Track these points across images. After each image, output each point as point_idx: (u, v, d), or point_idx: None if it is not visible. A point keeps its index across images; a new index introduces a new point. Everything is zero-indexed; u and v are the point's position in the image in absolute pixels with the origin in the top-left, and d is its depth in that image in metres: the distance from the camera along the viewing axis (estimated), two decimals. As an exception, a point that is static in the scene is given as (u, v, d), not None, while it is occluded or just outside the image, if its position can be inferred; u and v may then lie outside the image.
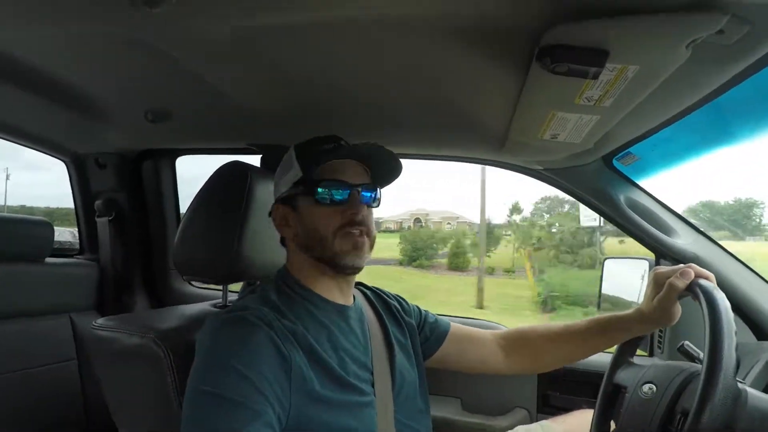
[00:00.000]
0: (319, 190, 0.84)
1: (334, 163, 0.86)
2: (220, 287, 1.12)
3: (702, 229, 1.29)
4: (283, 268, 0.93)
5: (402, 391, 0.89)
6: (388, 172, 0.94)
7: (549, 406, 1.45)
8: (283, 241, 0.95)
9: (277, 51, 0.86)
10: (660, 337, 1.41)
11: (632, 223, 1.29)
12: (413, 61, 0.87)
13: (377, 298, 1.04)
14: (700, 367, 0.72)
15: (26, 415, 1.42)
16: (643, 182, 1.30)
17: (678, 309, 0.88)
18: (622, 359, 0.96)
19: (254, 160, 1.32)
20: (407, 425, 0.88)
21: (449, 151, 1.42)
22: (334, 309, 0.87)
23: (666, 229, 1.30)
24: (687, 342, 0.88)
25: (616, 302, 1.57)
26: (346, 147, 0.89)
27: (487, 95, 0.98)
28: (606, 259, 1.63)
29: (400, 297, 1.10)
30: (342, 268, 0.85)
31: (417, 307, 1.10)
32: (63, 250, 1.93)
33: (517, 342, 1.09)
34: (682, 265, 0.88)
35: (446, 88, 0.98)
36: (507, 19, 0.70)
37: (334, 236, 0.83)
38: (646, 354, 1.48)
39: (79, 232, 1.93)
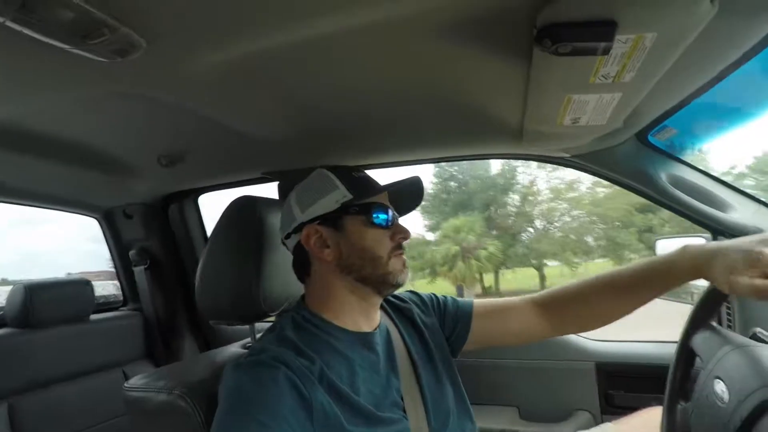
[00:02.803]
0: (377, 211, 0.86)
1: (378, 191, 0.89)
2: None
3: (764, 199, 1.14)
4: (299, 300, 0.91)
5: (434, 405, 0.86)
6: (412, 204, 0.99)
7: (613, 407, 1.34)
8: (303, 271, 0.90)
9: (272, 76, 0.83)
10: (729, 314, 1.26)
11: (679, 202, 1.16)
12: (413, 66, 0.82)
13: (395, 311, 0.99)
14: None
15: None
16: (686, 156, 1.17)
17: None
18: (700, 320, 0.80)
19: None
20: None
21: (468, 150, 1.34)
22: (357, 339, 0.84)
23: (719, 204, 1.16)
24: (759, 329, 0.76)
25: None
26: (391, 182, 0.90)
27: (494, 88, 0.91)
28: (658, 239, 1.50)
29: (414, 293, 1.06)
30: (390, 287, 0.87)
31: (434, 295, 1.05)
32: (108, 304, 1.98)
33: (552, 305, 0.98)
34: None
35: (452, 87, 0.92)
36: (497, 2, 0.63)
37: (389, 257, 0.85)
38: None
39: (120, 283, 1.98)
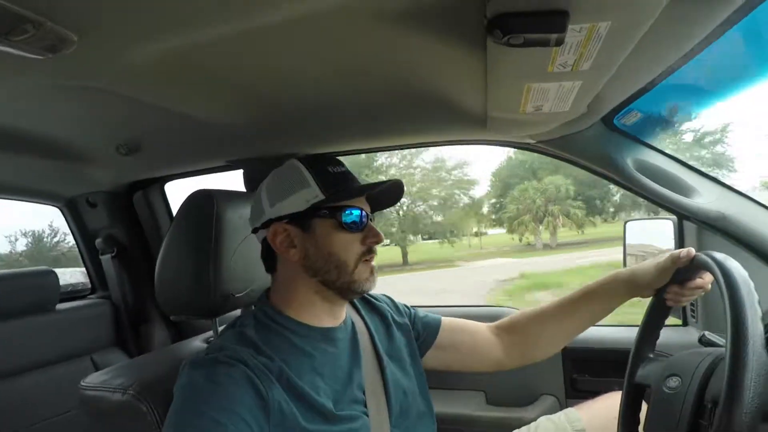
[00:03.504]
0: (348, 215, 0.82)
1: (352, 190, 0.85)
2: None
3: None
4: (263, 295, 0.89)
5: (396, 402, 0.86)
6: (390, 202, 0.95)
7: (578, 391, 1.37)
8: (269, 264, 0.88)
9: (217, 65, 0.79)
10: (693, 310, 1.30)
11: (644, 187, 1.16)
12: (368, 54, 0.79)
13: (365, 305, 0.99)
14: (724, 349, 0.64)
15: None
16: (652, 140, 1.16)
17: (666, 280, 0.88)
18: (640, 355, 0.87)
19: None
20: None
21: (432, 137, 1.32)
22: (319, 334, 0.83)
23: (684, 189, 1.16)
24: (707, 332, 0.80)
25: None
26: (353, 176, 0.88)
27: (453, 77, 0.89)
28: (627, 221, 1.51)
29: (389, 296, 1.07)
30: (355, 294, 0.85)
31: (405, 305, 1.06)
32: (76, 292, 1.94)
33: (509, 329, 1.04)
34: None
35: (410, 76, 0.89)
36: None
37: (356, 263, 0.82)
38: (679, 323, 1.37)
39: (87, 271, 1.94)
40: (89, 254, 1.88)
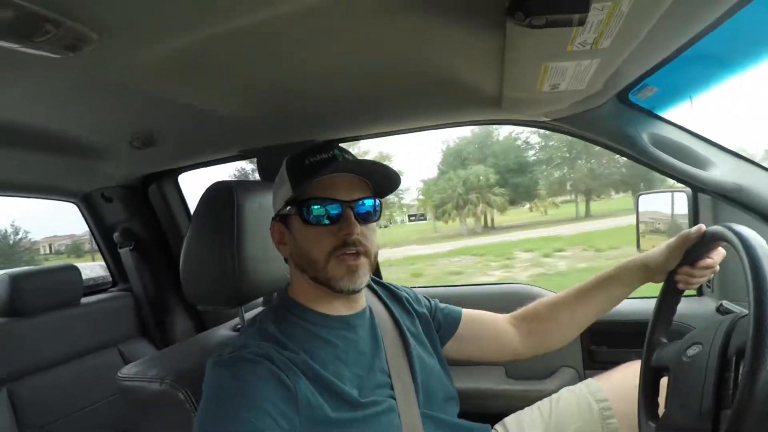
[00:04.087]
0: (310, 209, 0.78)
1: (325, 179, 0.79)
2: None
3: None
4: (284, 288, 0.90)
5: (424, 383, 0.87)
6: (388, 184, 0.86)
7: (596, 362, 1.38)
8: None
9: (237, 56, 0.80)
10: (709, 282, 1.30)
11: (660, 161, 1.16)
12: (383, 37, 0.78)
13: (386, 293, 1.00)
14: (746, 311, 0.65)
15: None
16: (667, 114, 1.16)
17: (677, 260, 0.88)
18: (655, 340, 0.87)
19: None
20: (434, 417, 0.86)
21: (447, 118, 1.31)
22: (338, 322, 0.84)
23: (700, 161, 1.16)
24: (724, 301, 0.80)
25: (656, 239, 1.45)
26: (336, 162, 0.80)
27: (470, 58, 0.88)
28: (640, 194, 1.51)
29: (409, 289, 1.07)
30: (339, 292, 0.80)
31: (426, 297, 1.07)
32: (97, 286, 1.98)
33: (526, 319, 1.05)
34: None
35: (426, 58, 0.89)
36: None
37: (327, 260, 0.78)
38: (694, 293, 1.38)
39: (107, 265, 1.97)
40: (108, 248, 1.91)
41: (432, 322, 1.01)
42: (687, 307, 1.27)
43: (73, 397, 1.51)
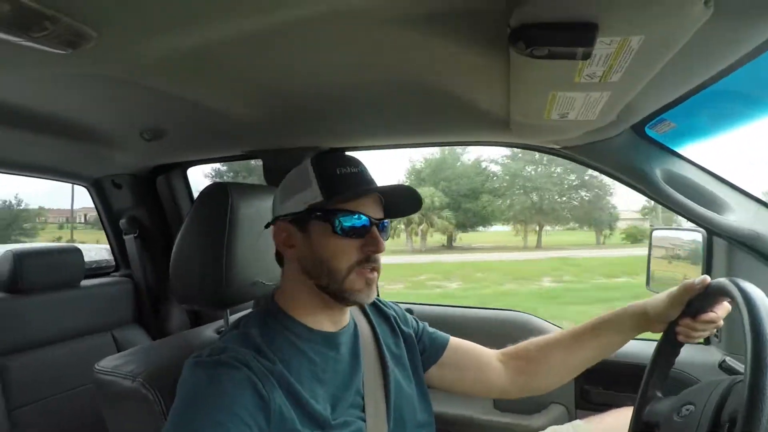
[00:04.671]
0: (341, 221, 0.77)
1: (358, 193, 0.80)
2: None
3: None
4: (271, 294, 0.88)
5: (397, 407, 0.85)
6: (407, 208, 0.88)
7: (589, 402, 1.33)
8: (279, 258, 0.88)
9: (241, 59, 0.80)
10: (717, 332, 1.24)
11: (672, 200, 1.11)
12: (389, 54, 0.78)
13: (373, 310, 0.98)
14: (743, 375, 0.61)
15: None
16: (684, 151, 1.11)
17: (679, 311, 0.84)
18: (649, 395, 0.83)
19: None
20: None
21: (454, 137, 1.30)
22: (321, 338, 0.82)
23: (716, 204, 1.11)
24: (728, 358, 0.75)
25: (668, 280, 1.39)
26: (365, 178, 0.82)
27: (476, 81, 0.86)
28: (654, 229, 1.45)
29: (398, 306, 1.04)
30: (349, 303, 0.82)
31: (414, 318, 1.04)
32: (101, 269, 2.00)
33: (515, 357, 1.00)
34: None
35: (432, 77, 0.88)
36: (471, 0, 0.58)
37: (348, 272, 0.78)
38: (701, 341, 1.32)
39: (112, 250, 1.99)
40: (114, 233, 1.94)
41: (417, 345, 0.98)
42: (691, 355, 1.22)
43: (63, 377, 1.52)
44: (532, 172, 21.01)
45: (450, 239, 21.90)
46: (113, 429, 0.92)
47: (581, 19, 0.53)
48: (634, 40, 0.57)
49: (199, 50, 0.74)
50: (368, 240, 0.79)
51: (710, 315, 0.81)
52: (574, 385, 1.34)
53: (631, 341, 1.33)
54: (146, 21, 0.63)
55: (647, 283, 1.41)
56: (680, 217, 1.19)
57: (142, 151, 1.50)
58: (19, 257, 1.51)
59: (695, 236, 1.31)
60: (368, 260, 0.79)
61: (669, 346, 0.85)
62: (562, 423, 1.10)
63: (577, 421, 1.07)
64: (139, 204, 1.82)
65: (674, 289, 0.84)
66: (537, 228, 21.58)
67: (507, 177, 20.66)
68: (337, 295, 0.80)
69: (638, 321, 0.89)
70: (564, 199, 20.46)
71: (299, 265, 0.82)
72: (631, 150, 1.11)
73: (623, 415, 1.01)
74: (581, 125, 0.95)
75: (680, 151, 1.11)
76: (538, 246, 19.78)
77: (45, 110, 1.08)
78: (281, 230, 0.82)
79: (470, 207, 19.86)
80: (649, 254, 1.40)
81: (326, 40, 0.72)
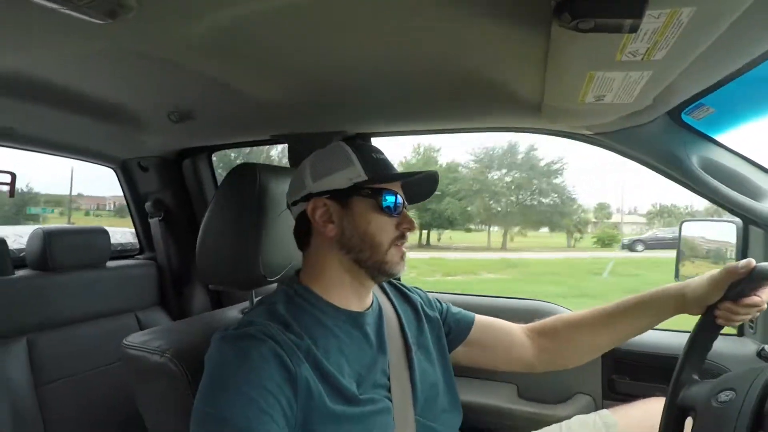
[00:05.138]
0: (387, 198, 0.83)
1: (391, 177, 0.87)
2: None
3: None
4: (295, 274, 0.90)
5: (422, 392, 0.86)
6: (423, 195, 0.95)
7: (616, 393, 1.31)
8: (302, 240, 0.89)
9: (277, 39, 0.80)
10: (751, 323, 1.21)
11: (708, 186, 1.08)
12: (425, 33, 0.76)
13: (397, 294, 0.99)
14: None
15: (103, 410, 1.54)
16: (721, 137, 1.07)
17: (719, 295, 0.82)
18: (684, 378, 0.80)
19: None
20: (429, 427, 0.85)
21: (482, 122, 1.27)
22: (347, 317, 0.83)
23: (754, 192, 1.07)
24: (767, 346, 0.73)
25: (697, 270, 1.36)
26: (389, 163, 0.89)
27: (511, 62, 0.84)
28: (684, 221, 1.41)
29: (420, 289, 1.06)
30: (385, 276, 0.86)
31: (438, 299, 1.05)
32: (125, 251, 2.04)
33: (542, 332, 1.02)
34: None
35: (466, 58, 0.86)
36: None
37: (390, 245, 0.83)
38: (735, 332, 1.28)
39: (137, 232, 2.03)
40: (139, 216, 1.97)
41: (442, 327, 0.99)
42: (725, 346, 1.19)
43: (88, 355, 1.55)
44: (496, 178, 21.22)
45: (427, 237, 21.89)
46: (143, 403, 0.93)
47: (631, -12, 0.51)
48: (685, 12, 0.55)
49: (233, 29, 0.74)
50: (402, 219, 0.85)
51: (754, 299, 0.80)
52: (601, 374, 1.32)
53: (660, 332, 1.32)
54: None
55: (675, 276, 1.38)
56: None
57: (169, 134, 1.52)
58: (49, 235, 1.55)
59: (729, 227, 1.28)
60: (402, 237, 0.85)
61: (707, 329, 0.83)
62: (588, 413, 1.08)
63: (604, 411, 1.06)
64: (164, 187, 1.85)
65: (716, 272, 0.83)
66: (521, 230, 21.67)
67: (470, 181, 20.79)
68: (376, 268, 0.83)
69: (675, 303, 0.88)
70: (528, 203, 20.63)
71: (336, 241, 0.83)
72: (666, 136, 1.08)
73: (651, 406, 1.00)
74: (616, 109, 0.92)
75: (717, 137, 1.08)
76: (503, 247, 19.92)
77: (76, 88, 1.09)
78: (318, 207, 0.84)
79: (434, 208, 19.91)
80: (679, 247, 1.37)
81: (358, 20, 0.71)
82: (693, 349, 0.82)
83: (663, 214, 24.45)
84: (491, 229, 21.65)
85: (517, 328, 1.03)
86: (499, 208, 20.43)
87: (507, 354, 1.01)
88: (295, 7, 0.67)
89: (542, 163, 20.00)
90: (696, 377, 0.80)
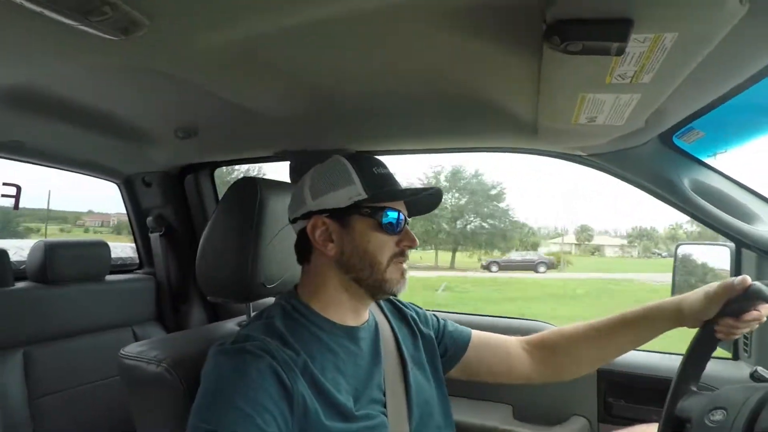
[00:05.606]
0: (388, 216, 0.83)
1: (394, 193, 0.86)
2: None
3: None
4: (292, 289, 0.89)
5: (418, 408, 0.85)
6: (425, 208, 0.95)
7: (612, 416, 1.30)
8: (302, 256, 0.89)
9: (282, 57, 0.83)
10: (746, 343, 1.21)
11: (701, 209, 1.10)
12: (421, 55, 0.79)
13: (393, 310, 0.99)
14: None
15: (95, 424, 1.52)
16: (712, 161, 1.10)
17: (715, 310, 0.82)
18: (683, 387, 0.81)
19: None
20: None
21: (479, 142, 1.30)
22: (344, 332, 0.83)
23: (747, 215, 1.09)
24: (760, 368, 0.74)
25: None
26: (394, 179, 0.88)
27: (505, 82, 0.88)
28: (679, 244, 1.44)
29: (416, 306, 1.05)
30: (384, 294, 0.86)
31: (434, 316, 1.04)
32: (125, 266, 2.05)
33: (539, 346, 1.02)
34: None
35: (461, 79, 0.89)
36: None
37: (389, 264, 0.83)
38: (729, 356, 1.28)
39: (137, 247, 2.04)
40: (140, 231, 1.99)
41: (437, 347, 0.98)
42: (720, 369, 1.19)
43: (83, 369, 1.55)
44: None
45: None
46: (138, 414, 0.93)
47: (616, 14, 0.54)
48: (668, 37, 0.58)
49: (242, 46, 0.77)
50: (404, 236, 0.85)
51: (753, 314, 0.80)
52: (597, 397, 1.31)
53: (655, 354, 1.32)
54: (196, 13, 0.66)
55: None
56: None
57: (175, 150, 1.55)
58: (51, 248, 1.56)
59: (722, 251, 1.30)
60: (402, 254, 0.85)
61: (705, 344, 0.84)
62: None
63: None
64: (166, 202, 1.87)
65: (712, 287, 0.83)
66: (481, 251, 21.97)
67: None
68: (376, 287, 0.83)
69: (671, 317, 0.89)
70: (471, 226, 21.23)
71: (336, 260, 0.83)
72: (659, 159, 1.11)
73: (649, 431, 0.99)
74: (609, 131, 0.95)
75: (708, 161, 1.10)
76: (451, 267, 20.50)
77: (86, 103, 1.11)
78: (317, 225, 0.83)
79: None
80: (674, 269, 1.39)
81: (363, 39, 0.74)
82: (691, 361, 0.83)
83: (642, 236, 25.85)
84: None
85: (513, 341, 1.03)
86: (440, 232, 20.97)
87: (503, 368, 1.00)
88: (301, 27, 0.69)
89: (485, 188, 20.79)
90: (694, 388, 0.81)
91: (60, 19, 0.61)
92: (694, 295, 0.86)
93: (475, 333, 1.03)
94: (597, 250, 25.88)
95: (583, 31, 0.56)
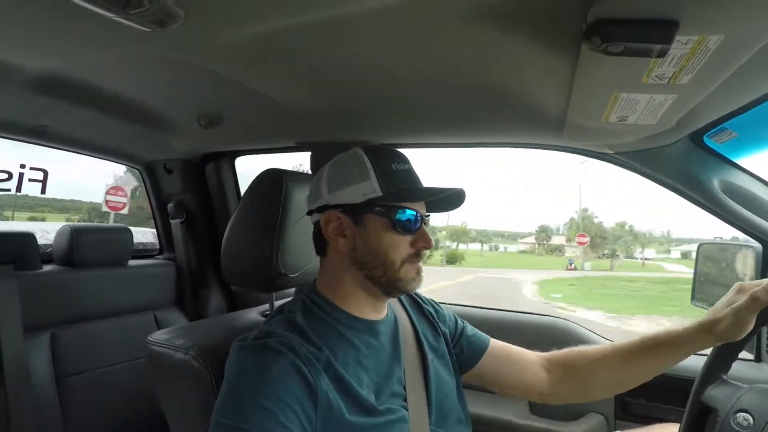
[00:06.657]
0: (402, 216, 0.80)
1: (412, 190, 0.84)
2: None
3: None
4: (312, 283, 0.89)
5: (438, 400, 0.85)
6: (447, 206, 0.91)
7: (630, 414, 1.30)
8: (320, 247, 0.89)
9: (309, 49, 0.82)
10: None
11: (729, 210, 1.08)
12: (454, 48, 0.78)
13: (411, 304, 0.99)
14: None
15: (119, 404, 1.56)
16: (743, 161, 1.08)
17: (751, 325, 0.78)
18: (713, 375, 0.80)
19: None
20: None
21: (504, 138, 1.29)
22: (364, 326, 0.83)
23: None
24: None
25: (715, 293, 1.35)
26: (419, 181, 0.86)
27: (537, 79, 0.86)
28: (701, 244, 1.41)
29: (435, 302, 1.04)
30: (399, 292, 0.84)
31: (453, 315, 1.03)
32: (146, 251, 2.09)
33: (561, 365, 0.97)
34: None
35: (492, 74, 0.88)
36: None
37: (403, 263, 0.81)
38: (752, 357, 1.27)
39: (158, 233, 2.08)
40: (161, 217, 2.02)
41: (453, 348, 0.97)
42: (742, 370, 1.17)
43: (108, 351, 1.59)
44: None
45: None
46: (166, 400, 0.95)
47: (661, 16, 0.53)
48: (713, 39, 0.56)
49: (272, 38, 0.77)
50: (419, 236, 0.82)
51: None
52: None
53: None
54: (230, 7, 0.66)
55: (692, 297, 1.37)
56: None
57: (197, 138, 1.56)
58: (77, 232, 1.60)
59: (748, 251, 1.28)
60: (417, 255, 0.83)
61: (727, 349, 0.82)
62: None
63: None
64: (187, 190, 1.89)
65: (738, 304, 0.78)
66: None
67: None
68: (390, 285, 0.81)
69: (705, 340, 0.83)
70: None
71: (349, 256, 0.82)
72: (688, 159, 1.09)
73: (668, 431, 0.99)
74: (638, 130, 0.94)
75: (739, 161, 1.08)
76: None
77: (112, 90, 1.13)
78: (331, 219, 0.82)
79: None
80: (696, 269, 1.37)
81: (391, 33, 0.74)
82: (724, 349, 0.81)
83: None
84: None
85: (533, 357, 1.00)
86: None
87: (519, 383, 0.97)
88: (330, 20, 0.69)
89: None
90: (725, 377, 0.80)
91: (98, 11, 0.62)
92: (724, 316, 0.79)
93: (494, 342, 1.00)
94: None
95: (625, 33, 0.55)
